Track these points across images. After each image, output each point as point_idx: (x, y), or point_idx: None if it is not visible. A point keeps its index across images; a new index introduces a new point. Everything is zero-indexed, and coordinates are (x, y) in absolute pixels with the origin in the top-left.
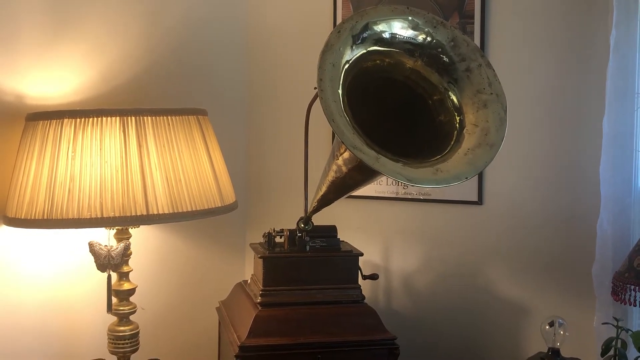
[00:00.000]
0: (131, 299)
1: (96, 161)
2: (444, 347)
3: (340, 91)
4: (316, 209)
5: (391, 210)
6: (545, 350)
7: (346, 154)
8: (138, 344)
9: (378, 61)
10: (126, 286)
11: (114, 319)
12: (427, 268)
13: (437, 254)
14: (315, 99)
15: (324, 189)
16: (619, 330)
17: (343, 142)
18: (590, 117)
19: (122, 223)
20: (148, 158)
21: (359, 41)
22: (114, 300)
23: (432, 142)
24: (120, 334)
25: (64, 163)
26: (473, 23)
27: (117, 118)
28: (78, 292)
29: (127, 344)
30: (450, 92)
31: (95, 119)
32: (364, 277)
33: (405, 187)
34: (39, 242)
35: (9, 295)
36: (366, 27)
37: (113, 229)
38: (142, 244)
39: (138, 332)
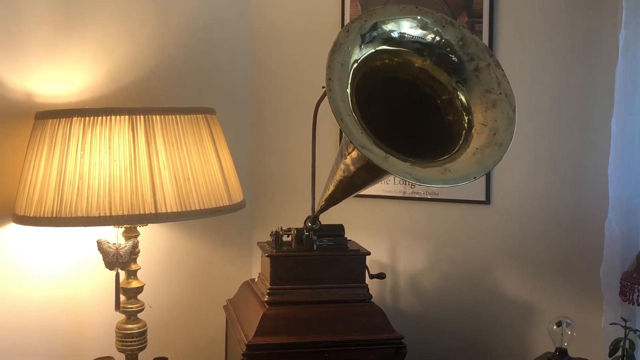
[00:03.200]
0: (139, 297)
1: (105, 160)
2: (451, 346)
3: (348, 90)
4: (324, 208)
5: (399, 210)
6: (553, 351)
7: (354, 153)
8: (146, 341)
9: (387, 60)
10: (134, 284)
11: (122, 316)
12: (434, 267)
13: (444, 254)
14: (323, 98)
15: (331, 188)
16: (627, 330)
17: (351, 142)
18: (598, 117)
19: (131, 221)
20: (156, 157)
21: (368, 40)
22: (122, 298)
23: (440, 141)
24: (128, 331)
25: (72, 161)
26: (481, 22)
27: (126, 117)
28: (86, 290)
29: (134, 341)
30: (459, 92)
31: (104, 117)
32: (371, 277)
33: (413, 187)
34: (47, 240)
35: (17, 293)
36: (375, 27)
37: (121, 227)
38: (150, 242)
39: (146, 330)
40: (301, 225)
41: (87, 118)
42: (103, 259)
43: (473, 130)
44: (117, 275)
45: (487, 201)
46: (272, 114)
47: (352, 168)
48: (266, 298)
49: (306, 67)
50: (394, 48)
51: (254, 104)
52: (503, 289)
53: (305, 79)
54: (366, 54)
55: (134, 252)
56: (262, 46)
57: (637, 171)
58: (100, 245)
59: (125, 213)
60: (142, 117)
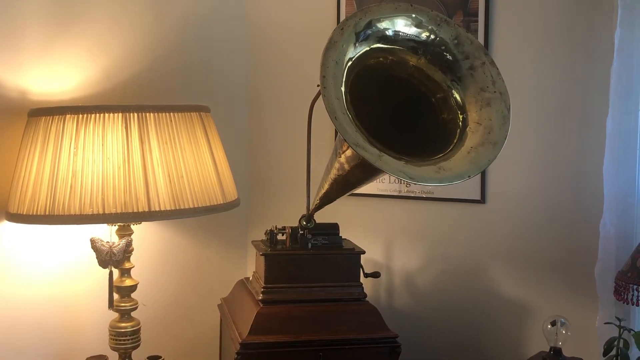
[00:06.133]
0: (133, 295)
1: (98, 157)
2: (445, 345)
3: (343, 89)
4: (318, 207)
5: (393, 208)
6: (547, 350)
7: (349, 152)
8: (139, 340)
9: (381, 59)
10: (128, 282)
11: (116, 315)
12: (429, 266)
13: (439, 253)
14: (318, 96)
15: (326, 186)
16: (621, 330)
17: (345, 140)
18: (594, 116)
19: (124, 219)
20: (150, 154)
21: (362, 38)
22: (116, 296)
23: (435, 140)
24: (122, 330)
25: (66, 159)
26: (477, 21)
27: (120, 114)
28: (79, 288)
29: (128, 340)
30: (453, 90)
31: (97, 115)
32: (366, 275)
33: (408, 185)
34: (40, 238)
35: (10, 291)
36: (369, 25)
37: (115, 225)
38: (143, 241)
39: (139, 329)
40: (296, 224)
41: (80, 115)
42: (96, 257)
43: (467, 129)
44: (111, 273)
45: (482, 200)
46: (269, 112)
47: (346, 166)
48: (260, 297)
49: (302, 64)
50: (389, 46)
51: (251, 102)
52: (498, 288)
53: (301, 76)
54: (361, 52)
55: (127, 250)
56: (259, 43)
57: (632, 170)
58: (93, 244)
59: (119, 211)
60: (135, 114)
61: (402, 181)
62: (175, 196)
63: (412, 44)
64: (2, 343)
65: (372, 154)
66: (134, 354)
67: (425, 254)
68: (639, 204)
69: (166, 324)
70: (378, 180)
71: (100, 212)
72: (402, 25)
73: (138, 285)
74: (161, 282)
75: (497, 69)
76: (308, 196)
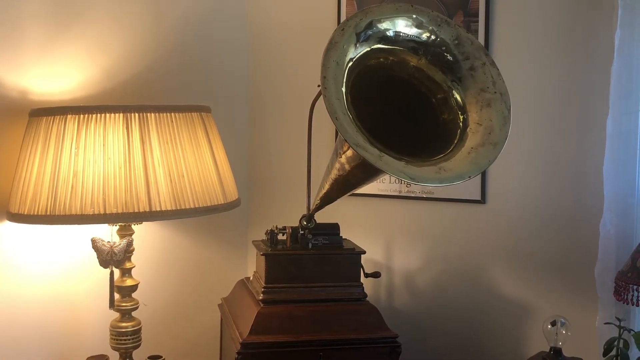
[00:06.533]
0: (133, 295)
1: (99, 157)
2: (445, 345)
3: (343, 89)
4: (319, 207)
5: (394, 209)
6: (547, 350)
7: (349, 152)
8: (140, 340)
9: (382, 59)
10: (128, 282)
11: (116, 315)
12: (429, 266)
13: (439, 253)
14: (319, 96)
15: (326, 186)
16: (621, 330)
17: (346, 140)
18: (594, 116)
19: (125, 219)
20: (151, 155)
21: (363, 39)
22: (116, 296)
23: (435, 140)
24: (123, 330)
25: (67, 159)
26: (477, 22)
27: (121, 114)
28: (80, 288)
29: (129, 340)
30: (454, 91)
31: (98, 115)
32: (366, 275)
33: (408, 186)
34: (41, 238)
35: (11, 291)
36: (370, 25)
37: (116, 225)
38: (144, 241)
39: (140, 328)
40: (296, 224)
41: (81, 115)
42: (97, 257)
43: (468, 129)
44: (112, 273)
45: (482, 200)
46: (269, 112)
47: (347, 167)
48: (261, 296)
49: (303, 65)
50: (389, 47)
51: (251, 102)
52: (498, 288)
53: (302, 77)
54: (361, 53)
55: (128, 250)
56: (260, 44)
57: (632, 170)
58: (94, 243)
59: (120, 211)
60: (136, 114)
61: (403, 181)
62: (176, 196)
63: (413, 45)
64: (2, 343)
65: (373, 154)
66: (134, 353)
67: (425, 254)
68: (639, 204)
69: (167, 324)
70: (378, 180)
71: (101, 212)
72: (403, 26)
73: (139, 285)
74: (162, 282)
75: (498, 69)
76: (308, 196)
